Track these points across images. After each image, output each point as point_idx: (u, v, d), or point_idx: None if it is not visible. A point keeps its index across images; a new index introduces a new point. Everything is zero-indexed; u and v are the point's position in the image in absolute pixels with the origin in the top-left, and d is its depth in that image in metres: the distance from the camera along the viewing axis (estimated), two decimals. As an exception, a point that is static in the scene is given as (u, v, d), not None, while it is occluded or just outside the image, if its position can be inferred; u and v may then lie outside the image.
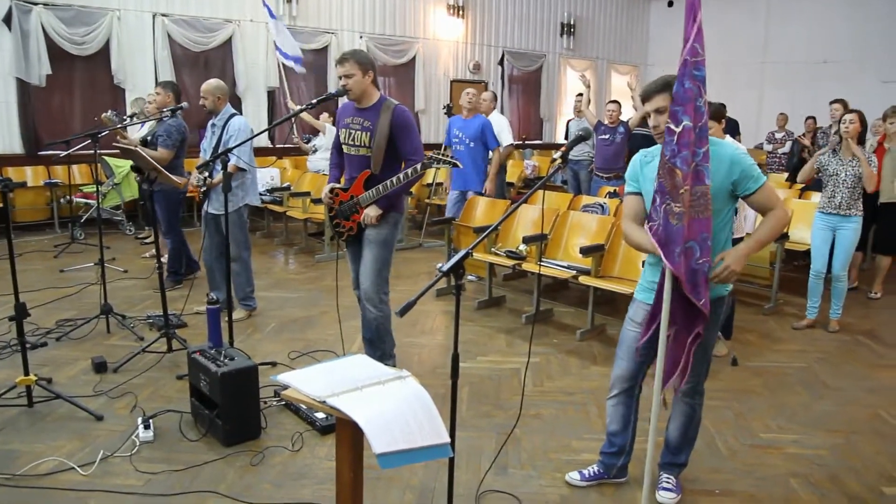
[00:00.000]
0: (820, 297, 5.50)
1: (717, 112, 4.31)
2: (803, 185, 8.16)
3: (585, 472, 3.13)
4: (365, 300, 3.98)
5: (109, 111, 5.43)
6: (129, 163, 5.80)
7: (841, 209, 5.22)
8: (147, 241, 7.95)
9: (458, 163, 3.65)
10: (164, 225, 5.96)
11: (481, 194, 6.56)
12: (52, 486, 2.99)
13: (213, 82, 5.03)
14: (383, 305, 3.99)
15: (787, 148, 10.61)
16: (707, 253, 2.48)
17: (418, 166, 3.71)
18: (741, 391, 4.23)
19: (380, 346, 4.05)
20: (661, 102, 2.63)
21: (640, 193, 2.81)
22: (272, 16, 8.98)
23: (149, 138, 5.82)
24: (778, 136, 10.72)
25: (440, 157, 3.56)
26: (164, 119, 5.55)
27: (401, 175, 3.73)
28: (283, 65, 9.15)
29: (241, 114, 5.32)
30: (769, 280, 6.01)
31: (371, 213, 3.84)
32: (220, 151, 4.42)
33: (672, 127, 2.39)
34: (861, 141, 5.20)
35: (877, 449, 3.54)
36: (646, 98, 2.70)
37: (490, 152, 6.71)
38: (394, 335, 4.19)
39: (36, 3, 8.35)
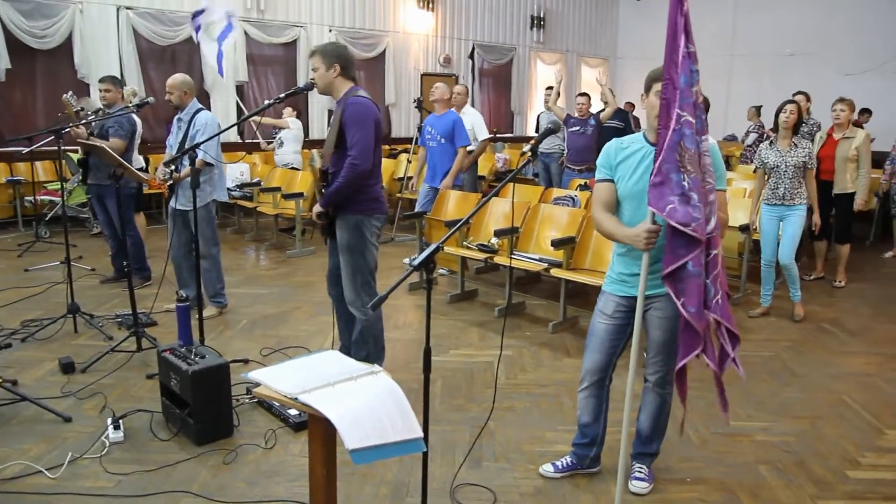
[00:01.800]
0: (773, 284, 5.64)
1: (705, 104, 4.38)
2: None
3: (559, 463, 3.16)
4: (349, 304, 3.93)
5: (70, 93, 5.26)
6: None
7: (785, 200, 5.33)
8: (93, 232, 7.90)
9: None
10: (119, 223, 5.81)
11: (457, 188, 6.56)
12: (18, 490, 2.94)
13: (178, 77, 4.95)
14: (366, 309, 3.88)
15: (750, 140, 10.81)
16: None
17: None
18: (711, 380, 4.27)
19: (364, 346, 3.97)
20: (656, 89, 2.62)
21: (611, 180, 2.81)
22: (225, 32, 9.02)
23: (95, 132, 5.65)
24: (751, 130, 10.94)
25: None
26: (116, 112, 5.44)
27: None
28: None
29: (208, 109, 5.25)
30: (737, 271, 6.11)
31: (315, 208, 3.81)
32: (187, 147, 4.36)
33: (690, 119, 2.36)
34: (796, 131, 5.32)
35: (841, 433, 3.63)
36: (655, 81, 2.64)
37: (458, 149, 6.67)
38: (384, 340, 4.08)
39: (-6, -4, 8.15)
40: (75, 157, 7.86)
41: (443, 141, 6.49)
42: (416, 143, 9.49)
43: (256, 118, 4.14)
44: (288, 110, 9.00)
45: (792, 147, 5.28)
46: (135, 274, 5.85)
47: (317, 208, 3.79)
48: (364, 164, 3.58)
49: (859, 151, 6.29)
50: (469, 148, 7.08)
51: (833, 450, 3.45)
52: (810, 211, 5.53)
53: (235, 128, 10.10)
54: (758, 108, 11.12)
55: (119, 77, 8.47)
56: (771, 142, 5.44)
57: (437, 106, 6.58)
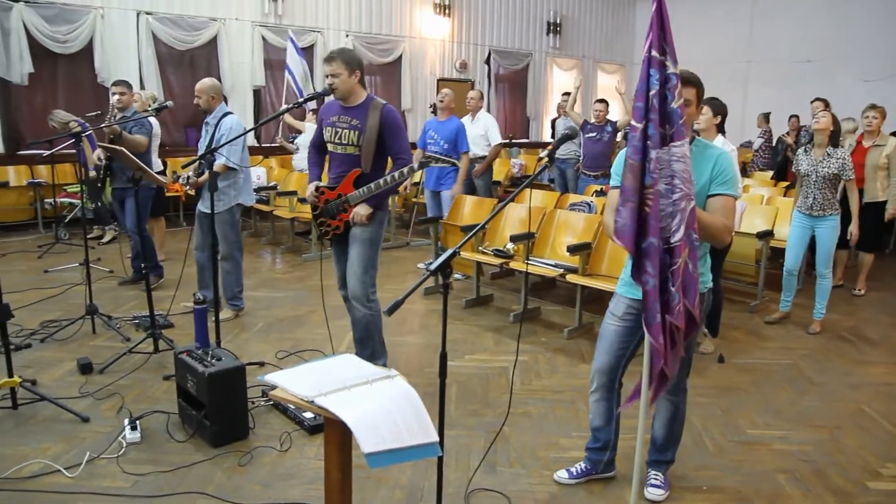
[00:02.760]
0: (793, 292, 5.57)
1: (720, 108, 4.34)
2: (788, 184, 8.26)
3: (573, 469, 3.15)
4: (352, 299, 3.97)
5: (52, 114, 5.31)
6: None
7: (814, 210, 5.16)
8: (103, 241, 7.94)
9: (456, 162, 3.68)
10: (134, 222, 5.85)
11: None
12: (37, 488, 2.96)
13: (207, 81, 4.99)
14: (371, 304, 3.98)
15: (756, 145, 10.85)
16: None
17: (414, 165, 3.77)
18: (728, 388, 4.27)
19: (369, 344, 4.03)
20: (689, 96, 2.63)
21: None
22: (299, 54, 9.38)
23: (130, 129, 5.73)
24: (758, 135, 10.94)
25: (437, 157, 3.62)
26: (134, 116, 5.51)
27: (395, 174, 3.76)
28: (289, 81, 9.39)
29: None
30: (755, 278, 6.06)
31: (362, 211, 3.84)
32: (206, 150, 4.40)
33: (636, 125, 2.33)
34: (835, 143, 5.09)
35: (860, 444, 3.58)
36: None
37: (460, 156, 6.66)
38: (384, 334, 4.17)
39: (17, 1, 8.25)
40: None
41: (445, 146, 6.51)
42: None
43: (285, 109, 4.22)
44: (308, 115, 8.99)
45: (825, 157, 5.05)
46: (151, 273, 5.90)
47: (366, 210, 3.84)
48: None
49: (890, 159, 6.16)
50: (481, 154, 7.10)
51: (853, 460, 3.41)
52: (843, 221, 5.31)
53: (253, 132, 10.16)
54: (766, 115, 11.11)
55: (137, 81, 8.62)
56: (806, 149, 5.27)
57: (441, 112, 6.61)
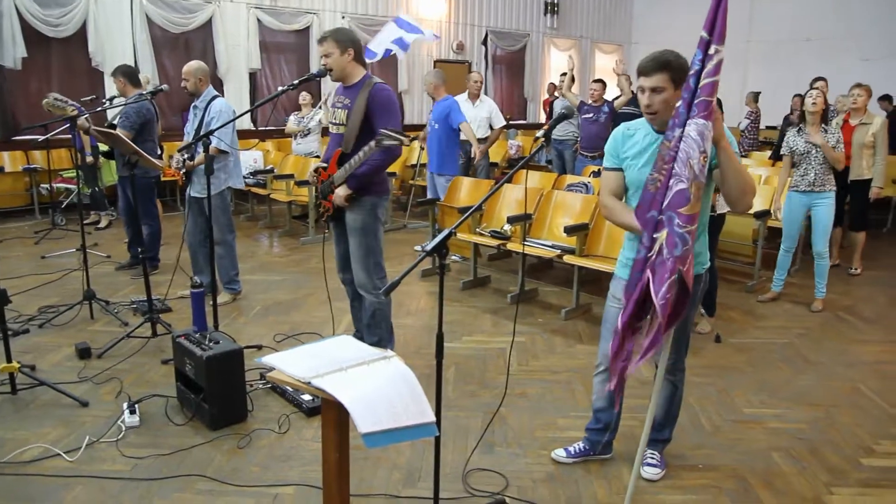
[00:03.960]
0: (787, 271, 5.62)
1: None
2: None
3: (571, 448, 3.17)
4: (358, 287, 3.93)
5: (50, 96, 5.25)
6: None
7: (815, 186, 5.26)
8: (99, 226, 7.92)
9: (404, 140, 3.49)
10: (140, 209, 5.87)
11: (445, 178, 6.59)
12: (37, 472, 2.98)
13: (193, 64, 4.96)
14: (379, 292, 3.87)
15: (743, 126, 10.80)
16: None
17: (373, 142, 3.47)
18: (724, 367, 4.29)
19: (376, 331, 3.97)
20: (659, 82, 2.55)
21: (619, 169, 2.80)
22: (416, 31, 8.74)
23: (115, 122, 5.69)
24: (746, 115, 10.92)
25: (389, 133, 3.41)
26: (130, 101, 5.48)
27: (360, 153, 3.56)
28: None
29: (222, 96, 5.25)
30: (752, 258, 6.07)
31: (340, 192, 3.70)
32: (201, 134, 4.37)
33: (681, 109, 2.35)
34: (825, 119, 5.24)
35: (855, 421, 3.60)
36: (644, 73, 2.59)
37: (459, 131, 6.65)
38: (392, 322, 4.08)
39: (9, -16, 8.18)
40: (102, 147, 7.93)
41: (436, 126, 6.55)
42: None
43: (280, 92, 4.08)
44: (305, 95, 8.75)
45: (822, 133, 5.18)
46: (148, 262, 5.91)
47: (345, 191, 3.70)
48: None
49: (876, 138, 6.19)
50: (482, 136, 7.09)
51: (847, 437, 3.43)
52: (839, 198, 5.47)
53: (249, 115, 10.11)
54: (755, 95, 11.05)
55: (133, 65, 8.54)
56: (799, 129, 5.34)
57: (436, 94, 6.67)
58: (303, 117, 8.54)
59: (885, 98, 10.50)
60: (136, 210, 5.36)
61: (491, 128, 7.20)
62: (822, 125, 5.21)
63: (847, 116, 6.49)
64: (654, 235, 2.38)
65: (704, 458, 3.22)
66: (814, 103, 5.15)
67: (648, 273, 2.37)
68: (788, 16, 13.22)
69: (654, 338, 2.38)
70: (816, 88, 5.28)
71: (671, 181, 2.34)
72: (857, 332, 5.00)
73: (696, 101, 2.30)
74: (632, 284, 2.45)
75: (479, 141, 6.98)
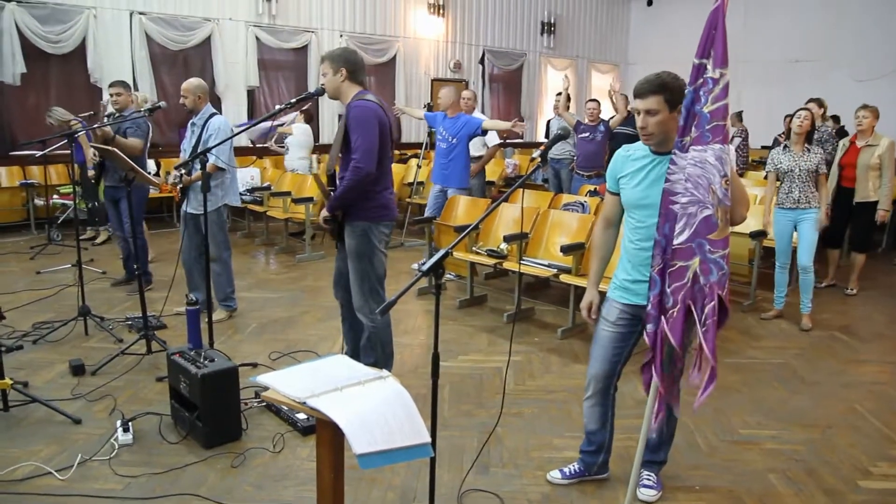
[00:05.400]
0: (786, 287, 5.64)
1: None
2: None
3: (566, 470, 3.15)
4: (356, 310, 3.91)
5: (50, 110, 5.22)
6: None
7: (800, 203, 5.35)
8: (96, 242, 7.90)
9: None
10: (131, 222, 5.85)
11: (466, 191, 6.57)
12: (28, 491, 2.95)
13: (193, 81, 4.98)
14: (374, 315, 3.84)
15: (735, 145, 10.85)
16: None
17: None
18: (720, 387, 4.26)
19: (372, 353, 3.94)
20: (653, 105, 2.55)
21: (617, 193, 2.82)
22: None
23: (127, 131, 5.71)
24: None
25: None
26: (131, 116, 5.49)
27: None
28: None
29: (220, 113, 5.27)
30: (748, 277, 6.08)
31: (322, 212, 3.78)
32: (199, 151, 4.38)
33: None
34: (809, 138, 5.37)
35: (852, 442, 3.60)
36: (638, 95, 2.59)
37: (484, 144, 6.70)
38: (393, 346, 4.04)
39: (9, 0, 8.22)
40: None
41: (454, 141, 6.50)
42: (425, 147, 9.51)
43: (277, 110, 4.06)
44: (294, 116, 8.90)
45: (805, 152, 5.31)
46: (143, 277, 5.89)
47: (324, 213, 3.77)
48: (368, 167, 3.54)
49: (882, 160, 6.20)
50: (476, 154, 7.11)
51: (844, 459, 3.42)
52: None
53: (247, 132, 10.12)
54: (738, 114, 11.20)
55: (131, 82, 8.58)
56: (785, 146, 5.44)
57: (450, 110, 6.62)
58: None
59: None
60: (132, 224, 5.34)
61: (485, 145, 7.23)
62: (806, 145, 5.33)
63: (854, 138, 6.52)
64: (675, 262, 2.43)
65: (701, 480, 3.20)
66: (800, 125, 5.29)
67: (673, 296, 2.45)
68: (780, 37, 13.33)
69: (710, 374, 2.64)
70: (806, 109, 5.36)
71: (690, 205, 2.38)
72: (854, 353, 5.00)
73: (708, 127, 2.34)
74: (650, 335, 2.54)
75: (474, 160, 7.01)
